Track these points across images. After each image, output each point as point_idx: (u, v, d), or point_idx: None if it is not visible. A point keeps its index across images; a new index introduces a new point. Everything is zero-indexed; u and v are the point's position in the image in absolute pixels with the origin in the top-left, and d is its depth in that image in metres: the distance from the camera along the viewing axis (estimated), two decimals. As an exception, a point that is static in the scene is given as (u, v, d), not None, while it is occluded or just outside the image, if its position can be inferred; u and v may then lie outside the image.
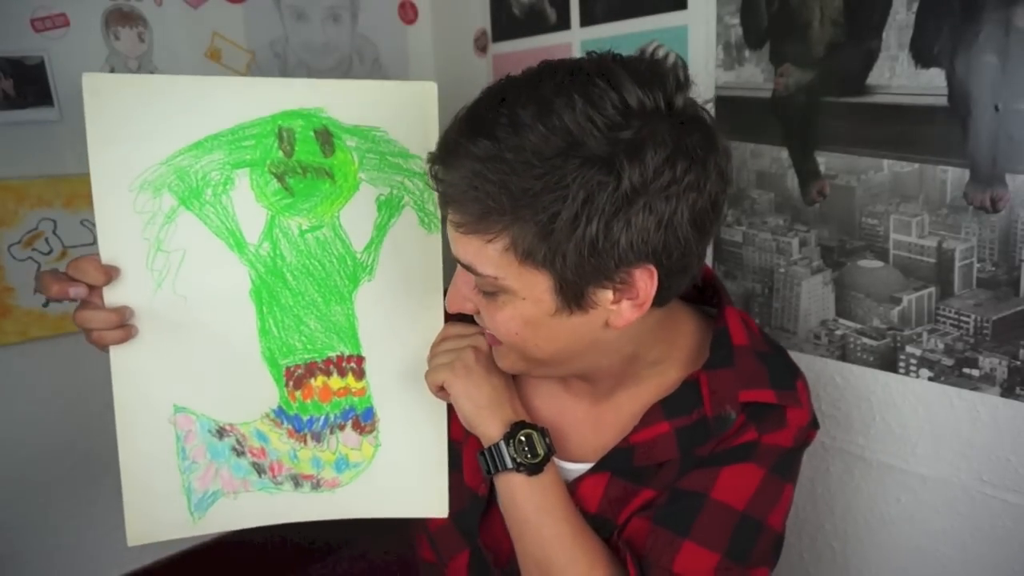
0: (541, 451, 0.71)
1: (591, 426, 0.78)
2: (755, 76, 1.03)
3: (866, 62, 0.91)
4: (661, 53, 1.14)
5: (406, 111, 0.73)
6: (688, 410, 0.72)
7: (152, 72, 1.26)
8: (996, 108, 0.82)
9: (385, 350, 0.76)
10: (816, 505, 1.08)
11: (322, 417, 0.75)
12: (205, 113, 0.69)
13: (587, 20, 1.27)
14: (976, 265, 0.87)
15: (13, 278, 1.17)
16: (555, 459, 0.74)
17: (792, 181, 1.02)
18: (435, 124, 0.73)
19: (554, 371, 0.72)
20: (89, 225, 1.23)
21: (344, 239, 0.73)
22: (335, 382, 0.75)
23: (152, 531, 0.73)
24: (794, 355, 1.04)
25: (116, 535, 1.40)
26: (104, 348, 0.70)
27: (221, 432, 0.74)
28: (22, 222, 1.17)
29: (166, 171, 0.69)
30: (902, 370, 0.96)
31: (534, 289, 0.61)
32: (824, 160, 0.98)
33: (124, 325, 0.69)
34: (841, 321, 1.00)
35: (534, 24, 1.37)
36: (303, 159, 0.71)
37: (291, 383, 0.74)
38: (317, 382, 0.75)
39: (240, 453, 0.75)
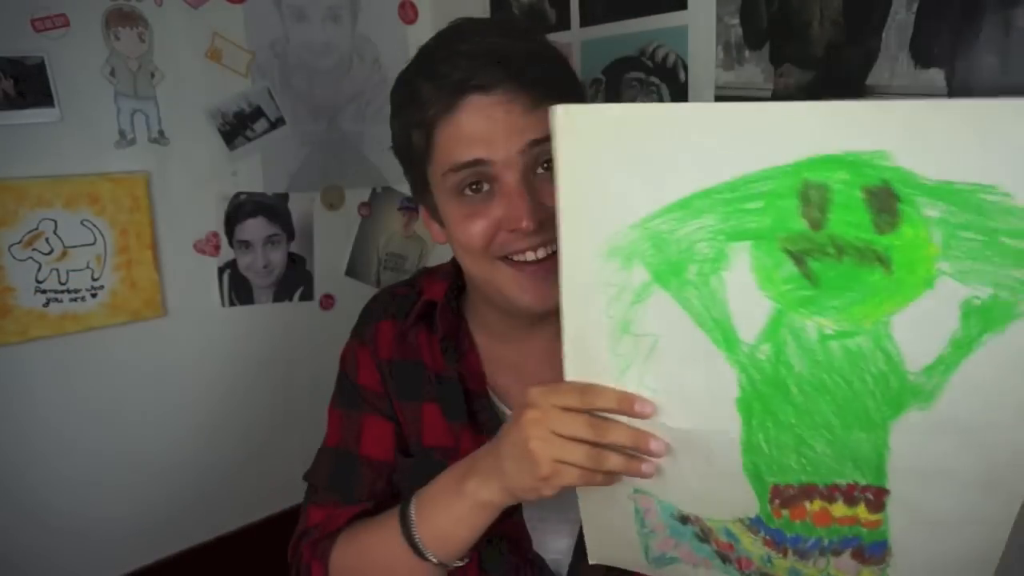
0: None
1: (545, 372, 0.79)
2: (755, 76, 1.03)
3: (866, 62, 0.91)
4: (661, 53, 1.15)
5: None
6: None
7: (152, 72, 1.27)
8: (996, 108, 0.82)
9: (924, 490, 0.55)
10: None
11: (812, 539, 0.60)
12: (695, 158, 0.49)
13: (587, 20, 1.27)
14: (976, 265, 0.87)
15: (13, 278, 1.17)
16: None
17: (792, 181, 1.02)
18: None
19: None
20: (89, 225, 1.23)
21: (892, 353, 0.50)
22: (838, 509, 0.58)
23: (610, 558, 0.70)
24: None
25: (116, 535, 1.41)
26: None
27: (684, 519, 0.63)
28: (22, 222, 1.17)
29: (639, 237, 0.52)
30: (902, 370, 0.96)
31: None
32: (824, 160, 0.98)
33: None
34: (841, 321, 1.00)
35: (534, 24, 1.37)
36: (839, 233, 0.47)
37: (777, 501, 0.58)
38: (813, 506, 0.58)
39: (703, 540, 0.64)
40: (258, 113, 1.40)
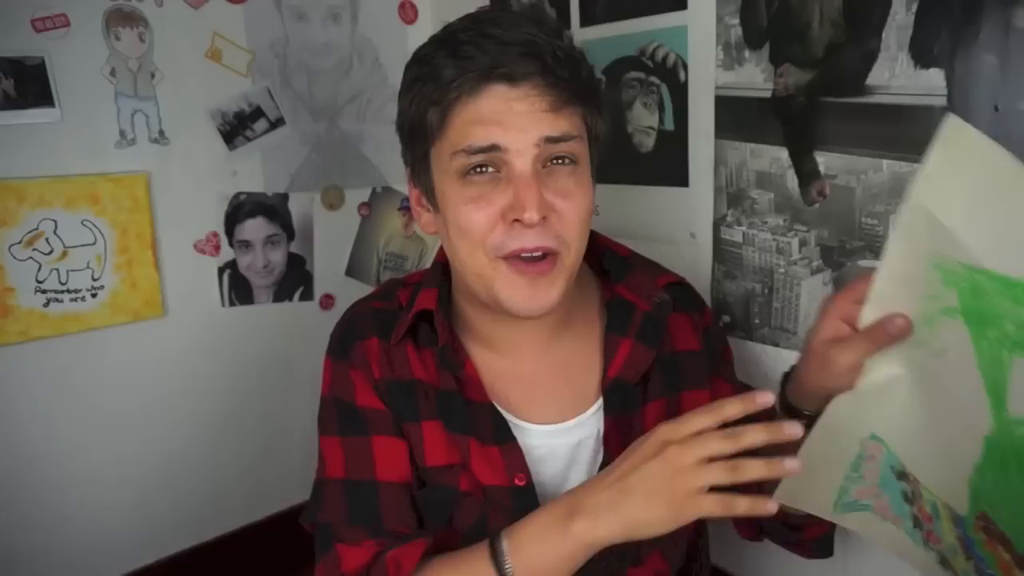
0: None
1: (556, 384, 0.82)
2: (755, 76, 1.03)
3: (866, 62, 0.91)
4: (661, 53, 1.15)
5: None
6: (630, 318, 0.81)
7: (152, 72, 1.27)
8: (996, 108, 0.82)
9: None
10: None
11: (991, 571, 0.64)
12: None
13: (587, 20, 1.27)
14: (976, 265, 0.87)
15: (13, 278, 1.17)
16: (532, 425, 0.80)
17: (792, 181, 1.02)
18: None
19: (568, 290, 0.75)
20: (89, 225, 1.23)
21: None
22: (1017, 574, 0.62)
23: (795, 501, 0.70)
24: (794, 355, 1.04)
25: (116, 535, 1.41)
26: None
27: (903, 475, 0.68)
28: (22, 222, 1.17)
29: (964, 274, 0.54)
30: (902, 370, 0.96)
31: (587, 153, 0.73)
32: (824, 160, 0.98)
33: None
34: (841, 321, 1.00)
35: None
36: None
37: (980, 524, 0.63)
38: (1002, 554, 0.62)
39: (908, 501, 0.69)
40: (258, 113, 1.40)
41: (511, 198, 0.68)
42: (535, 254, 0.70)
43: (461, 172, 0.70)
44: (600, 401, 0.81)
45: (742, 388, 0.89)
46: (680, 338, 0.85)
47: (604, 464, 0.79)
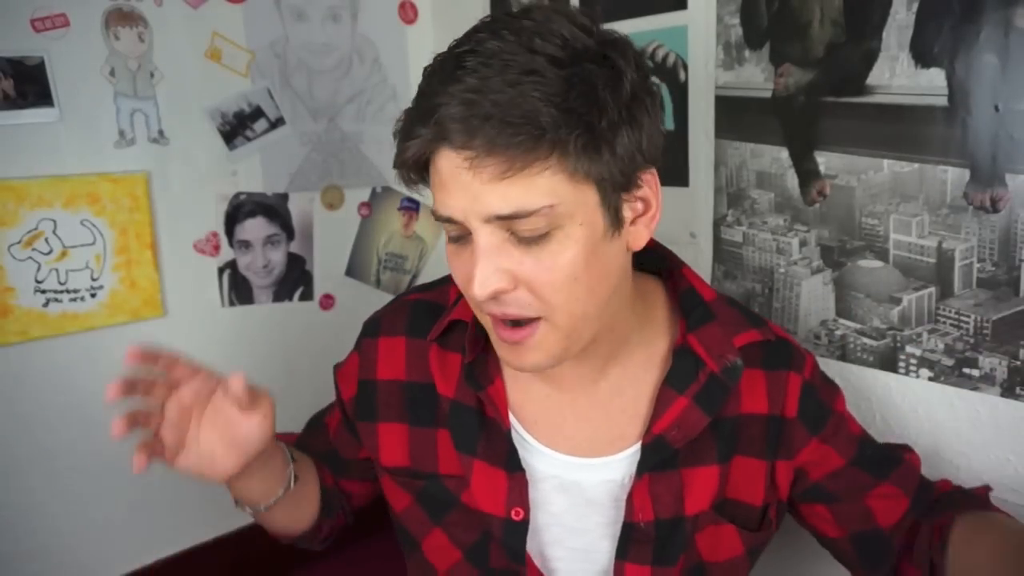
0: None
1: (593, 417, 0.77)
2: (755, 76, 1.03)
3: (866, 62, 0.91)
4: (661, 53, 1.15)
5: None
6: (694, 375, 0.73)
7: (152, 72, 1.26)
8: (996, 108, 0.82)
9: None
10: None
11: None
12: None
13: (587, 20, 1.27)
14: (976, 265, 0.87)
15: (13, 278, 1.17)
16: (557, 454, 0.74)
17: (792, 181, 1.02)
18: None
19: (582, 341, 0.67)
20: (89, 225, 1.23)
21: None
22: None
23: None
24: (794, 355, 1.04)
25: (116, 535, 1.41)
26: None
27: None
28: (22, 222, 1.17)
29: None
30: (902, 370, 0.96)
31: (586, 208, 0.60)
32: (824, 160, 0.98)
33: None
34: (841, 321, 1.00)
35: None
36: None
37: None
38: None
39: None
40: (258, 113, 1.39)
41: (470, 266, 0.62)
42: (506, 323, 0.64)
43: (445, 228, 0.66)
44: (637, 449, 0.75)
45: (863, 459, 0.81)
46: (748, 399, 0.76)
47: (625, 524, 0.74)
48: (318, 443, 0.96)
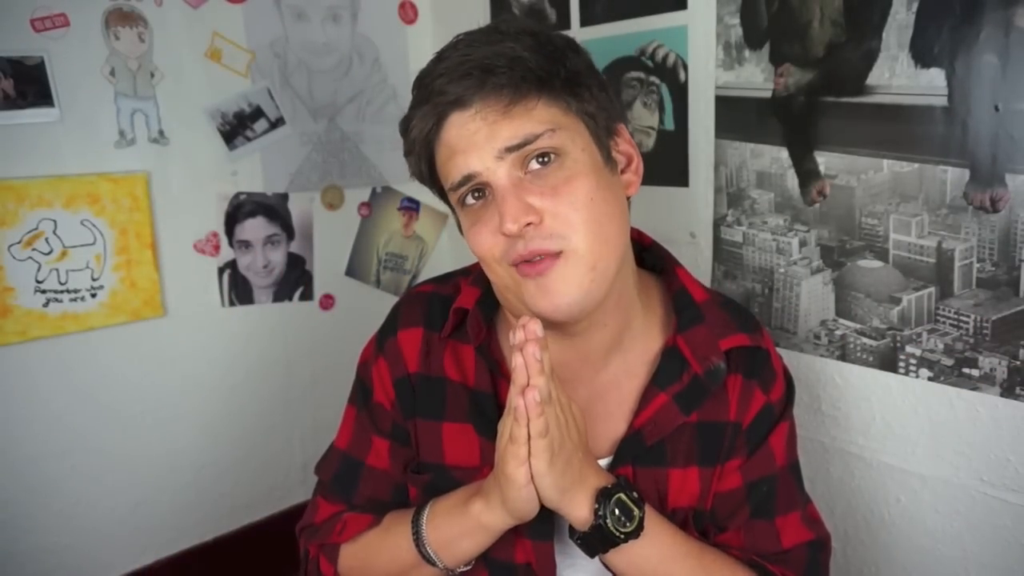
0: (636, 510, 0.70)
1: (591, 409, 0.78)
2: (755, 76, 1.03)
3: (866, 62, 0.91)
4: (661, 53, 1.15)
5: None
6: (678, 375, 0.77)
7: (152, 72, 1.27)
8: (996, 108, 0.82)
9: None
10: (816, 505, 1.08)
11: None
12: None
13: (587, 20, 1.27)
14: (976, 265, 0.87)
15: (13, 278, 1.17)
16: None
17: (792, 181, 1.02)
18: None
19: (606, 277, 0.70)
20: (89, 225, 1.23)
21: None
22: None
23: None
24: (794, 355, 1.04)
25: (116, 535, 1.41)
26: None
27: None
28: (22, 222, 1.17)
29: None
30: (902, 370, 0.96)
31: (583, 137, 0.70)
32: (824, 160, 0.98)
33: None
34: (841, 321, 1.00)
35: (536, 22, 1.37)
36: None
37: None
38: None
39: None
40: (258, 113, 1.40)
41: (497, 215, 0.68)
42: (533, 258, 0.69)
43: (460, 202, 0.72)
44: (618, 452, 0.77)
45: (758, 487, 0.79)
46: (743, 406, 0.78)
47: None
48: (382, 490, 0.85)
